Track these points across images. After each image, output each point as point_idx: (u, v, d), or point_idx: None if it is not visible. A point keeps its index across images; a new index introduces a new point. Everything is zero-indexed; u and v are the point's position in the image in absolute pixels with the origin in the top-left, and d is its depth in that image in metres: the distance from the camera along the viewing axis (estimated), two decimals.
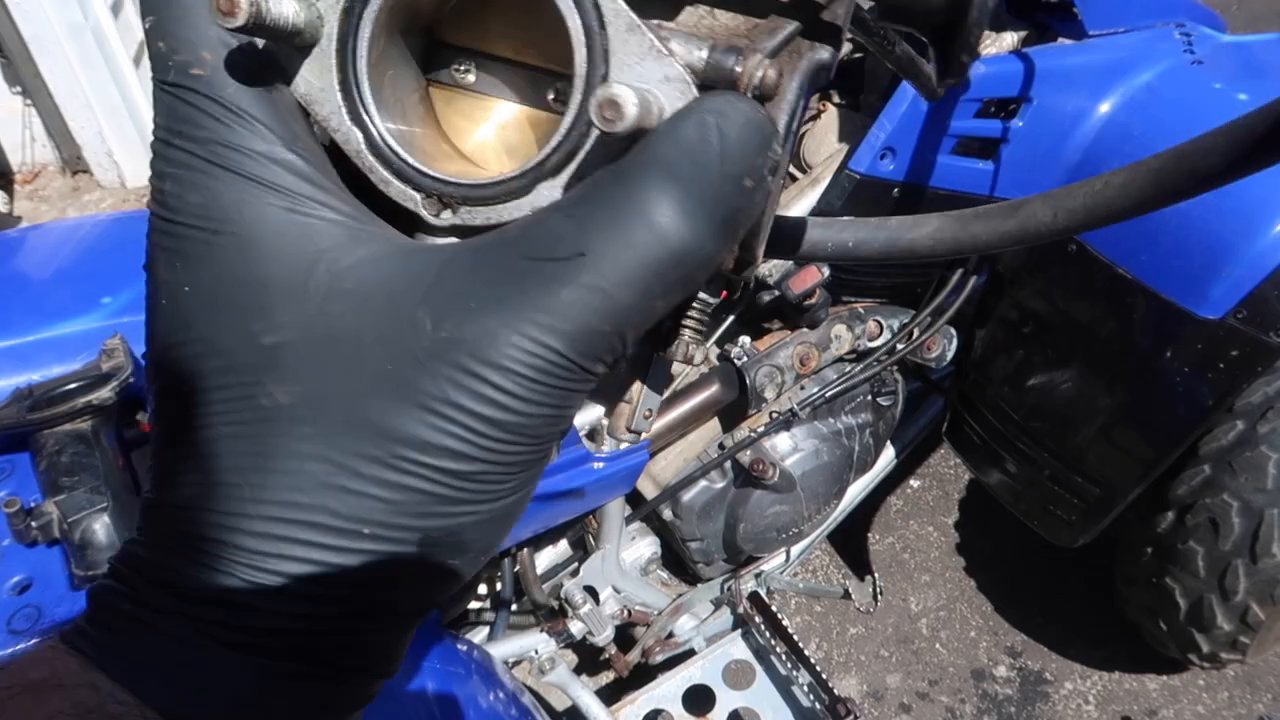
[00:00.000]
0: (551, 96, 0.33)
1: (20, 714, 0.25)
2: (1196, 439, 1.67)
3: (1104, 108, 1.48)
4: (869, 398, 1.69)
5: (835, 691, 1.59)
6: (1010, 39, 1.50)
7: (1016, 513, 1.74)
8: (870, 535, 2.36)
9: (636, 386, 1.41)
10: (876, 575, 1.68)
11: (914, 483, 2.47)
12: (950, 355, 1.74)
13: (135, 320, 1.46)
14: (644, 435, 1.42)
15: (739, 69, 0.29)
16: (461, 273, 0.27)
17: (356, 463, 0.27)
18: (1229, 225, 1.35)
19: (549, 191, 0.30)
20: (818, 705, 1.59)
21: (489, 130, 0.34)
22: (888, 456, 1.95)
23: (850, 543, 2.33)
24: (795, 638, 1.66)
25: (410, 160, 0.31)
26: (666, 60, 0.29)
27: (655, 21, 0.31)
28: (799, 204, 1.43)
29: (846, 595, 1.70)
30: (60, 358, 1.35)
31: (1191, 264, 1.38)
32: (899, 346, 1.64)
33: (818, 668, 1.62)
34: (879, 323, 1.64)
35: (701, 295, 0.39)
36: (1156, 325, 1.42)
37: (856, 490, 1.91)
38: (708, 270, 0.28)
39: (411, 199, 0.31)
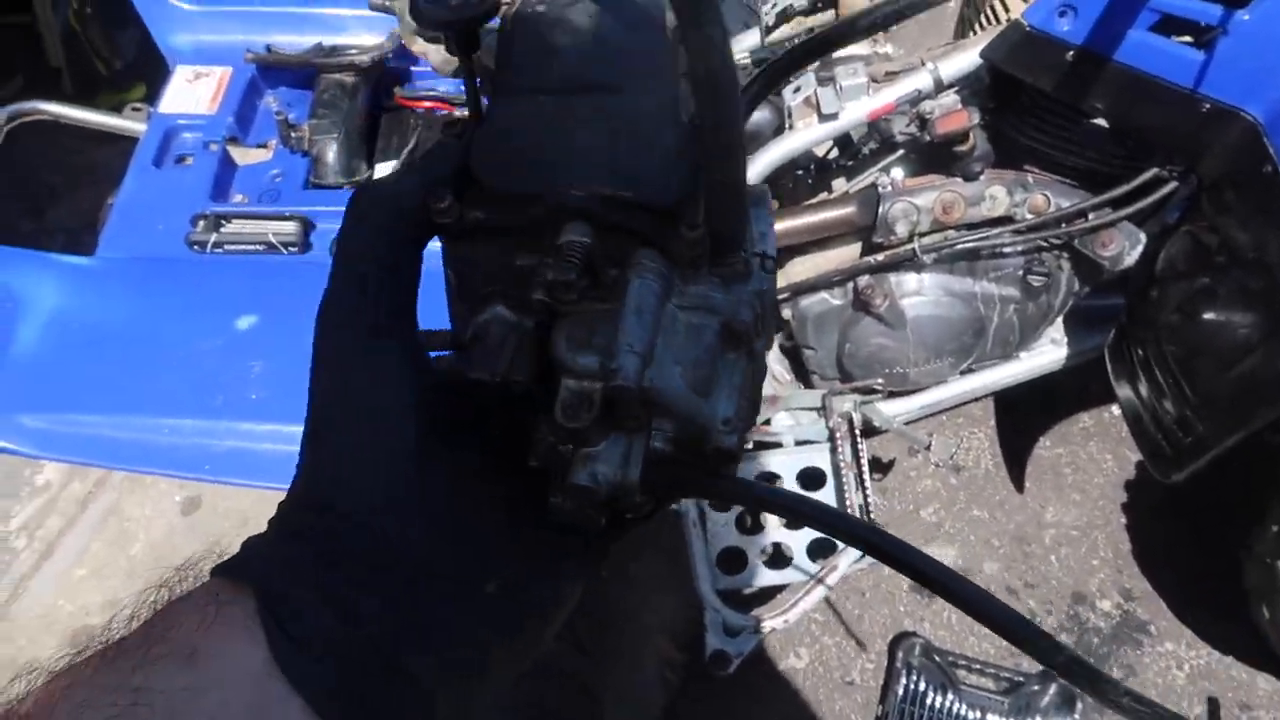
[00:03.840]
0: None
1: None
2: None
3: None
4: (1019, 272, 1.68)
5: (872, 517, 1.71)
6: None
7: (1132, 432, 1.68)
8: (1042, 439, 2.30)
9: None
10: (962, 440, 1.73)
11: (1115, 409, 2.34)
12: (1130, 259, 1.66)
13: None
14: None
15: None
16: None
17: None
18: None
19: None
20: None
21: None
22: (1053, 355, 1.90)
23: (1015, 433, 2.30)
24: (866, 466, 1.78)
25: None
26: None
27: None
28: (964, 54, 1.45)
29: (928, 448, 1.77)
30: (354, 29, 1.77)
31: None
32: (1064, 226, 1.61)
33: (870, 502, 1.74)
34: (1047, 197, 1.60)
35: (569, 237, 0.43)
36: None
37: (1004, 375, 1.89)
38: None
39: None
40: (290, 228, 1.48)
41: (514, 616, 0.43)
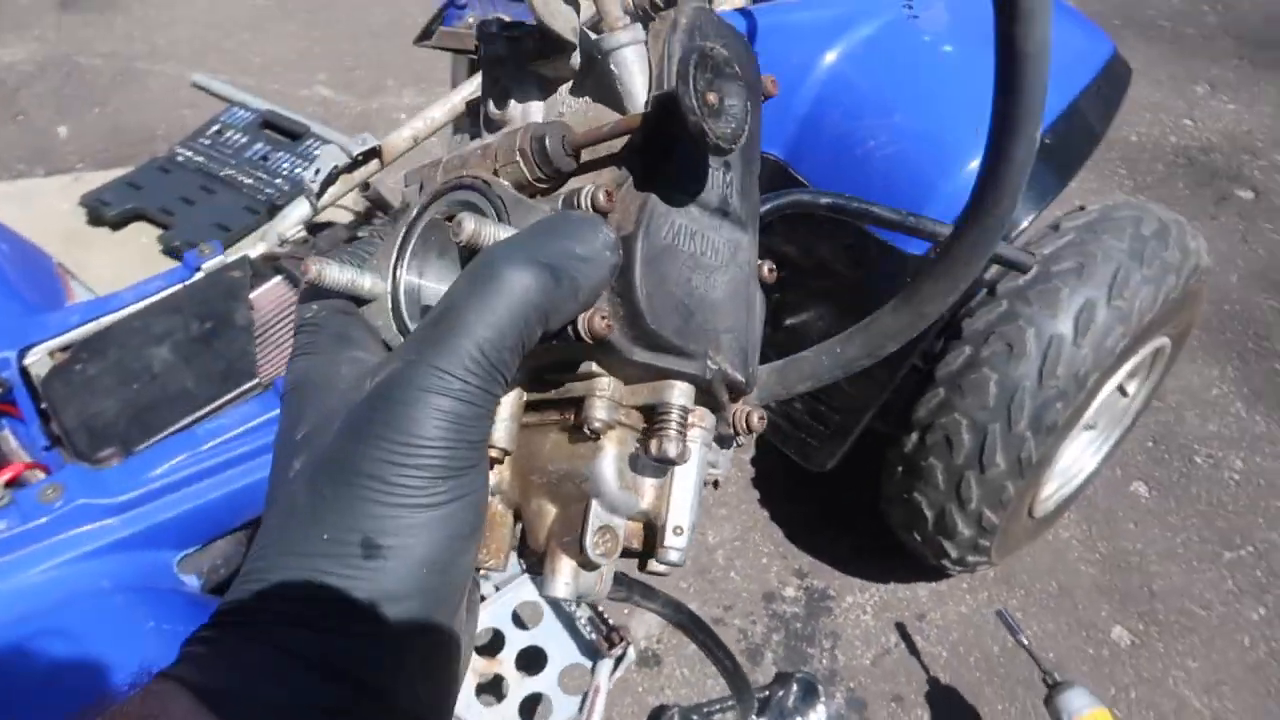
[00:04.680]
0: None
1: None
2: (933, 365, 1.83)
3: (828, 59, 1.59)
4: None
5: (611, 622, 1.69)
6: None
7: (776, 442, 1.87)
8: None
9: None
10: None
11: None
12: None
13: None
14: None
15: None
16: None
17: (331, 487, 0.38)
18: (929, 167, 1.49)
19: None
20: (595, 636, 1.69)
21: None
22: None
23: None
24: None
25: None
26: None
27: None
28: None
29: None
30: None
31: (899, 204, 1.50)
32: None
33: (598, 605, 1.72)
34: None
35: (681, 403, 0.45)
36: (874, 262, 1.55)
37: None
38: None
39: None
40: None
41: None
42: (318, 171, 1.54)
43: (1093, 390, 1.75)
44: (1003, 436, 1.73)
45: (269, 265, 1.56)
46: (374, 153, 1.56)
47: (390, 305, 0.47)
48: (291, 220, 1.60)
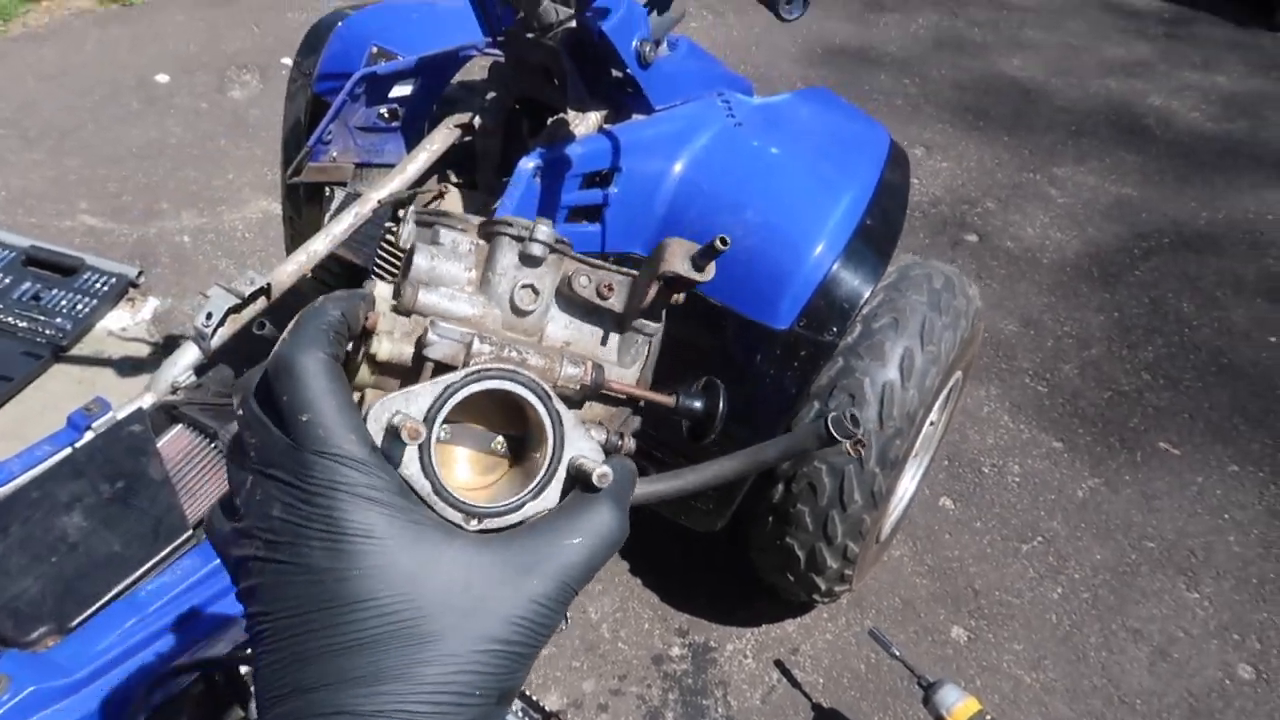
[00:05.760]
0: (494, 446, 0.56)
1: None
2: (788, 423, 2.06)
3: (677, 169, 1.79)
4: None
5: (545, 707, 1.75)
6: (594, 119, 1.76)
7: (665, 513, 2.02)
8: None
9: None
10: None
11: None
12: None
13: None
14: None
15: (620, 444, 0.60)
16: (528, 557, 0.49)
17: (483, 658, 0.46)
18: (784, 252, 1.72)
19: (532, 505, 0.52)
20: None
21: (462, 468, 0.56)
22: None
23: None
24: None
25: (461, 497, 0.50)
26: (593, 442, 0.54)
27: (574, 413, 0.56)
28: None
29: None
30: None
31: (761, 286, 1.72)
32: None
33: (525, 690, 1.78)
34: None
35: None
36: (744, 339, 1.75)
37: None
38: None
39: (456, 516, 0.50)
40: None
41: None
42: (209, 315, 1.54)
43: (919, 424, 2.04)
44: (857, 475, 1.98)
45: (166, 415, 1.53)
46: (263, 291, 1.58)
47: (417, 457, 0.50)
48: (181, 366, 1.57)
